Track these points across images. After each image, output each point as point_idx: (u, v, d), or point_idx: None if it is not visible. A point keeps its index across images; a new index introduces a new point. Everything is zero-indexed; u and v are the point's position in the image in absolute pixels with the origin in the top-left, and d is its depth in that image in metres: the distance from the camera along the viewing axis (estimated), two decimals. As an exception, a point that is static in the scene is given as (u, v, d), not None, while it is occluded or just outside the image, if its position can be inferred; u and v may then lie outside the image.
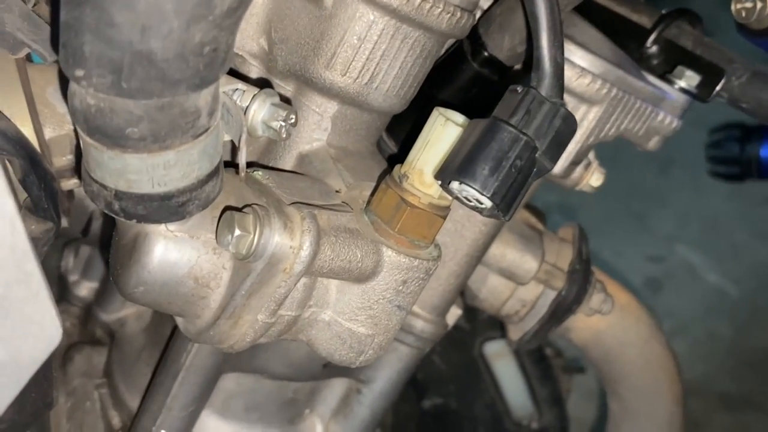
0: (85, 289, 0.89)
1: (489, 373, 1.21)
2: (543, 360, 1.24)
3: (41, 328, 0.34)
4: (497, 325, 1.20)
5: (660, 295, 2.21)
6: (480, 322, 1.19)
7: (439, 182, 0.47)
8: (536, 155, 0.44)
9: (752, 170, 1.59)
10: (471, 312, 0.96)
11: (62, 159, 0.58)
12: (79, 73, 0.36)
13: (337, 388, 0.80)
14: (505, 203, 0.44)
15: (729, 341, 2.16)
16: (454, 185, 0.45)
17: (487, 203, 0.44)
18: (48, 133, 0.57)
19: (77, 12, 0.35)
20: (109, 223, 0.82)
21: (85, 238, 0.86)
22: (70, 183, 0.59)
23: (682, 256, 2.35)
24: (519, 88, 0.45)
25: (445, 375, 1.20)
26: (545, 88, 0.45)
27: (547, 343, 1.26)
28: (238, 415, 0.76)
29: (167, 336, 0.75)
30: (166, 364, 0.68)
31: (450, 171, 0.45)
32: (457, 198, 0.46)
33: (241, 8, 0.36)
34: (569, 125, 0.45)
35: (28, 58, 0.55)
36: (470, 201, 0.46)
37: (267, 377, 0.73)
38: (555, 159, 0.45)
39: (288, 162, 0.57)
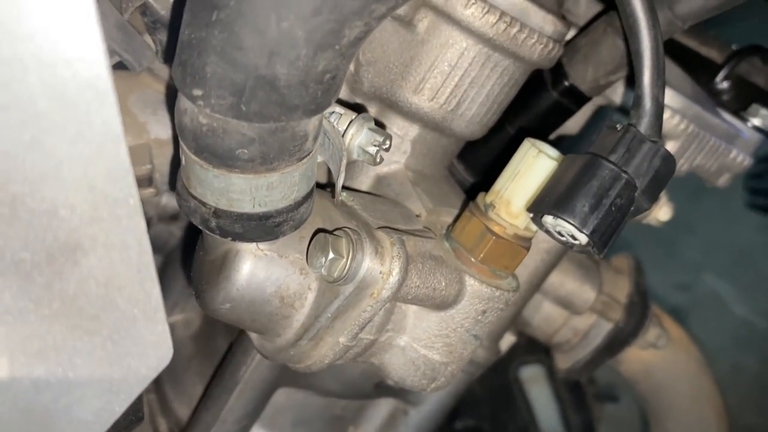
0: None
1: (523, 397, 1.20)
2: (577, 387, 1.23)
3: (155, 348, 0.34)
4: (533, 350, 1.20)
5: (686, 324, 2.19)
6: (518, 347, 1.19)
7: (531, 215, 0.47)
8: (635, 194, 0.44)
9: (791, 204, 1.58)
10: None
11: (141, 168, 0.58)
12: (198, 92, 0.36)
13: (383, 407, 0.80)
14: (602, 241, 0.43)
15: (755, 374, 2.13)
16: (548, 219, 0.45)
17: (583, 240, 0.44)
18: (128, 141, 0.58)
19: (203, 32, 0.35)
20: (165, 233, 0.82)
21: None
22: (146, 192, 0.60)
23: (710, 286, 2.32)
24: (618, 126, 0.45)
25: (479, 397, 1.19)
26: (645, 126, 0.45)
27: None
28: (285, 429, 0.76)
29: (219, 348, 0.75)
30: (223, 377, 0.68)
31: (547, 205, 0.45)
32: (548, 232, 0.46)
33: (366, 37, 0.36)
34: (669, 165, 0.45)
35: (116, 66, 0.56)
36: (563, 236, 0.45)
37: (318, 393, 0.73)
38: (653, 199, 0.45)
39: (365, 183, 0.57)
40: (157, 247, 0.84)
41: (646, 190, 0.44)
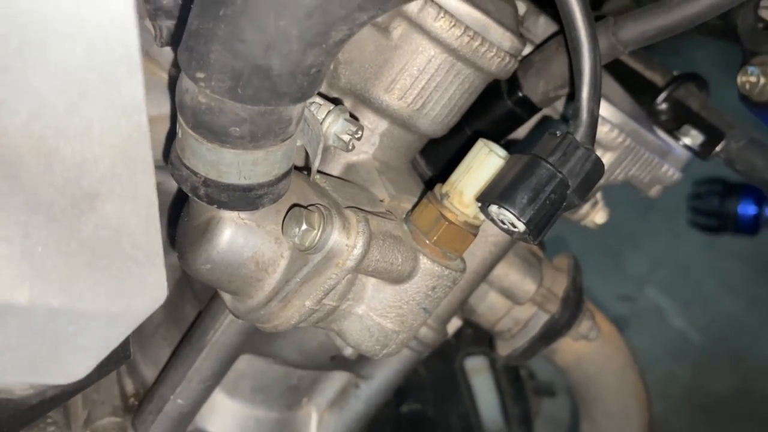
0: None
1: (466, 386, 1.28)
2: (518, 380, 1.31)
3: (152, 289, 0.40)
4: (479, 342, 1.27)
5: (626, 333, 2.30)
6: (464, 337, 1.26)
7: (479, 204, 0.54)
8: (568, 192, 0.51)
9: (728, 224, 1.69)
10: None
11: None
12: (201, 75, 0.42)
13: (337, 380, 0.86)
14: (536, 229, 0.51)
15: (686, 384, 2.26)
16: (493, 208, 0.52)
17: (521, 228, 0.51)
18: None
19: (211, 24, 0.41)
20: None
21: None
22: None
23: (652, 299, 2.45)
24: (558, 132, 0.53)
25: (425, 383, 1.26)
26: (580, 134, 0.52)
27: (523, 365, 1.33)
28: (244, 394, 0.81)
29: (187, 315, 0.81)
30: (191, 340, 0.73)
31: (492, 195, 0.52)
32: (492, 220, 0.53)
33: (348, 40, 0.42)
34: (598, 169, 0.52)
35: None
36: (504, 224, 0.52)
37: (278, 362, 0.79)
38: (583, 197, 0.52)
39: (336, 169, 0.64)
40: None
41: (577, 189, 0.51)
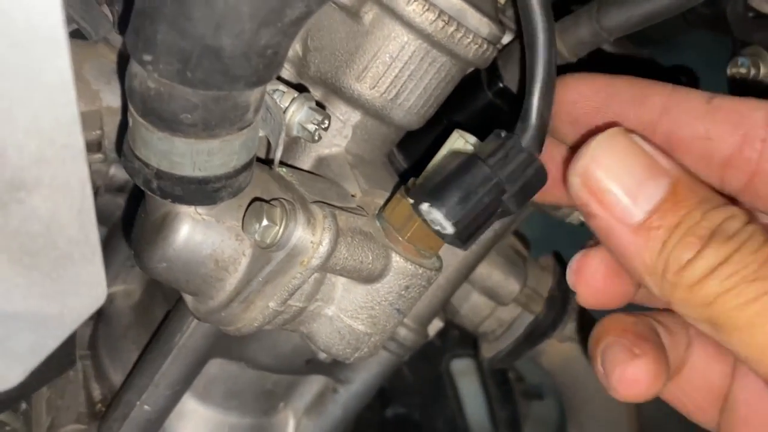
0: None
1: (453, 389, 1.25)
2: (505, 383, 1.28)
3: (90, 289, 0.36)
4: (466, 344, 1.25)
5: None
6: (450, 339, 1.24)
7: (412, 201, 0.50)
8: (503, 198, 0.47)
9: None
10: (443, 329, 1.00)
11: (91, 134, 0.60)
12: (147, 57, 0.39)
13: (314, 385, 0.83)
14: (466, 233, 0.47)
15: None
16: (424, 206, 0.48)
17: (450, 230, 0.47)
18: (80, 107, 0.60)
19: (157, 2, 0.38)
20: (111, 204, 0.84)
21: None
22: (95, 157, 0.62)
23: (640, 302, 2.42)
24: (503, 133, 0.49)
25: (411, 386, 1.23)
26: (527, 139, 0.48)
27: (511, 367, 1.30)
28: (216, 400, 0.78)
29: (157, 318, 0.77)
30: (158, 343, 0.70)
31: (423, 192, 0.48)
32: (423, 220, 0.49)
33: (306, 19, 0.39)
34: (539, 177, 0.48)
35: (73, 34, 0.58)
36: (435, 225, 0.48)
37: (251, 366, 0.76)
38: (520, 204, 0.48)
39: (306, 163, 0.60)
40: (102, 218, 0.86)
41: (515, 195, 0.47)
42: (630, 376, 0.46)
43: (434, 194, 0.47)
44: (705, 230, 0.40)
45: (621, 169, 0.43)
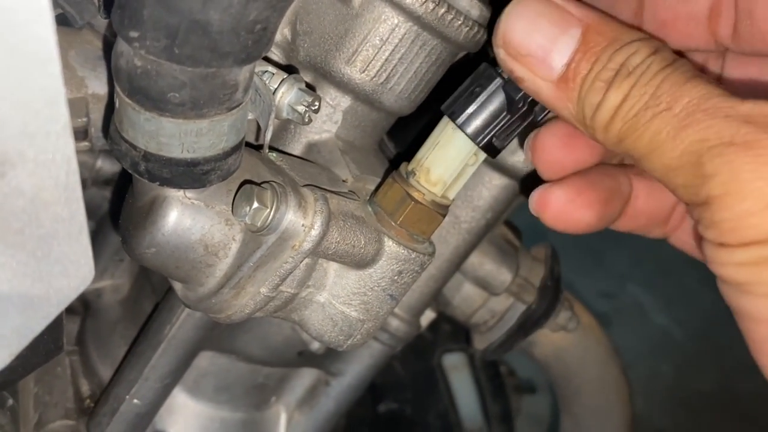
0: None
1: (445, 383, 1.24)
2: (497, 377, 1.28)
3: (77, 268, 0.35)
4: (458, 338, 1.24)
5: (608, 330, 2.28)
6: (442, 333, 1.23)
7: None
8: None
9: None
10: (434, 323, 0.99)
11: (77, 121, 0.59)
12: (134, 34, 0.38)
13: (306, 378, 0.82)
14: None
15: (669, 381, 2.24)
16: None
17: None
18: (66, 93, 0.59)
19: (143, -23, 0.37)
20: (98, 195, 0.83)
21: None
22: (81, 145, 0.61)
23: (633, 295, 2.43)
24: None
25: (403, 381, 1.22)
26: None
27: (502, 362, 1.30)
28: (207, 394, 0.77)
29: (145, 312, 0.76)
30: (147, 336, 0.69)
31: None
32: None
33: (296, -7, 0.39)
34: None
35: (58, 19, 0.57)
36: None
37: (242, 359, 0.75)
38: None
39: (296, 149, 0.60)
40: (90, 211, 0.84)
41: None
42: (545, 199, 0.51)
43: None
44: (610, 72, 0.41)
45: (534, 29, 0.44)
